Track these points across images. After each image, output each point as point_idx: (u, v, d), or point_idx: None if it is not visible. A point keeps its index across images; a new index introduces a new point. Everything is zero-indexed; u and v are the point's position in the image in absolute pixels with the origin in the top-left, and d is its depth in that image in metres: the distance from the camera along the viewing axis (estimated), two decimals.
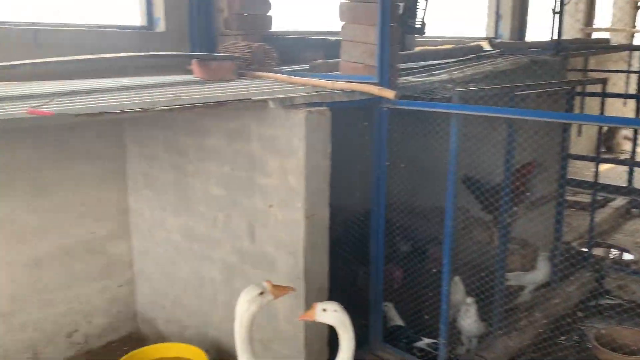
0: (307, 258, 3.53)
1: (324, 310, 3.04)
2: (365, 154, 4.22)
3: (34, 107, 2.75)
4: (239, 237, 3.99)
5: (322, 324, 3.72)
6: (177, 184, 4.46)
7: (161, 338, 4.88)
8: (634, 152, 7.50)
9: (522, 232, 5.71)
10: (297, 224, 3.51)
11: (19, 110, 2.68)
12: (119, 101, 3.08)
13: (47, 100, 2.96)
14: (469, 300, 4.54)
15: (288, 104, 3.40)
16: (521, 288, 5.43)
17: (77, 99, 3.15)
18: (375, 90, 3.63)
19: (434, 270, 4.82)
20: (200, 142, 4.15)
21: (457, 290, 4.71)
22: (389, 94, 3.58)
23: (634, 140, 7.31)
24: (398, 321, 4.61)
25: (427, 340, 4.43)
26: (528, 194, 5.26)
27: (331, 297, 3.80)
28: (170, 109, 3.01)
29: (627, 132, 11.45)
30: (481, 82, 4.53)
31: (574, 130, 9.41)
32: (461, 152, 3.78)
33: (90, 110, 2.77)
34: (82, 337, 4.88)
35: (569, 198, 6.51)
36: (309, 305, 3.60)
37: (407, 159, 4.67)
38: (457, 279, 4.73)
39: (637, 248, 6.73)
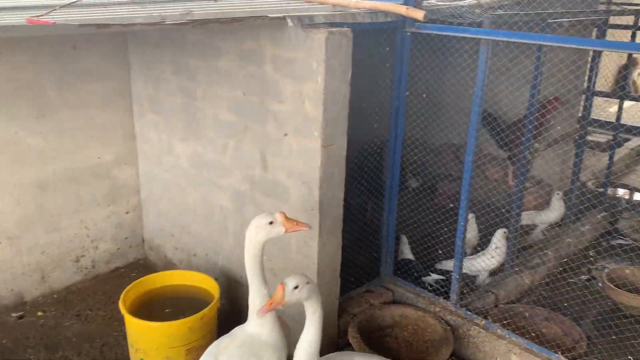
0: (323, 189, 3.39)
1: (296, 287, 2.57)
2: (383, 83, 4.00)
3: (34, 16, 2.52)
4: (250, 165, 3.85)
5: (335, 253, 3.66)
6: (185, 108, 4.27)
7: (169, 265, 4.85)
8: None
9: (537, 171, 5.57)
10: (313, 153, 3.35)
11: (18, 19, 2.47)
12: (126, 14, 2.85)
13: (49, 10, 2.73)
14: (470, 215, 4.43)
15: (307, 22, 3.16)
16: (533, 227, 5.36)
17: (81, 11, 2.91)
18: (403, 10, 3.36)
19: (450, 205, 4.73)
20: (211, 64, 3.93)
21: (470, 228, 4.63)
22: (418, 14, 3.32)
23: None
24: (409, 255, 4.55)
25: (435, 276, 4.39)
26: (549, 131, 5.06)
27: (344, 229, 3.71)
28: (181, 24, 2.78)
29: None
30: (510, 9, 4.23)
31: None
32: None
33: (95, 21, 2.54)
34: (90, 262, 4.85)
35: None
36: (324, 236, 3.52)
37: (421, 92, 4.47)
38: (471, 216, 4.63)
39: None
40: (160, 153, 4.67)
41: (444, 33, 3.56)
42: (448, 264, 4.41)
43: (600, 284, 4.64)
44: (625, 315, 4.27)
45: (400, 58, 3.83)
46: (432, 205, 5.15)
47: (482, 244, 4.73)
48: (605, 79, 10.85)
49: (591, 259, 5.16)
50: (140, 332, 3.50)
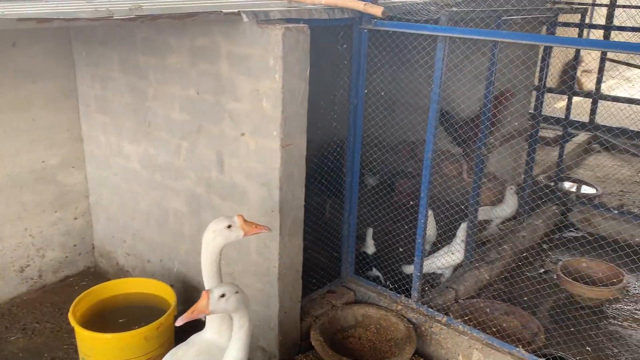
0: (282, 189, 3.30)
1: (222, 296, 2.40)
2: (341, 81, 3.94)
3: None
4: (205, 167, 3.72)
5: (296, 255, 3.57)
6: (135, 108, 4.09)
7: (122, 272, 4.65)
8: (599, 86, 7.51)
9: (490, 166, 5.65)
10: (272, 153, 3.25)
11: None
12: (70, 8, 2.67)
13: None
14: (429, 212, 4.45)
15: (263, 18, 3.06)
16: (487, 222, 5.42)
17: (21, 5, 2.72)
18: (361, 6, 3.30)
19: (410, 203, 4.72)
20: (161, 62, 3.77)
21: (429, 225, 4.62)
22: (376, 10, 3.26)
23: (600, 75, 7.31)
24: (370, 249, 4.52)
25: (375, 272, 4.40)
26: (501, 125, 5.13)
27: (303, 229, 3.63)
28: (130, 19, 2.63)
29: (586, 66, 11.56)
30: (465, 6, 4.25)
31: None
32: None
33: (36, 15, 2.37)
34: (36, 271, 4.59)
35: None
36: (285, 237, 3.42)
37: (379, 90, 4.43)
38: (429, 212, 4.62)
39: (599, 182, 6.83)
40: (109, 155, 4.46)
41: (402, 30, 3.52)
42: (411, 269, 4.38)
43: (555, 277, 4.74)
44: (582, 307, 4.37)
45: (358, 55, 3.77)
46: (390, 203, 5.13)
47: (442, 240, 4.75)
48: (551, 76, 11.19)
49: (549, 252, 5.27)
50: (92, 344, 3.32)
